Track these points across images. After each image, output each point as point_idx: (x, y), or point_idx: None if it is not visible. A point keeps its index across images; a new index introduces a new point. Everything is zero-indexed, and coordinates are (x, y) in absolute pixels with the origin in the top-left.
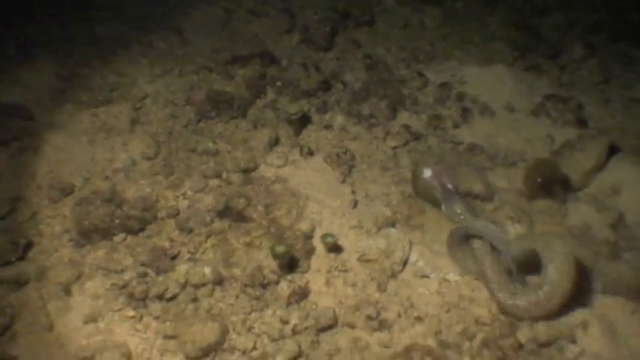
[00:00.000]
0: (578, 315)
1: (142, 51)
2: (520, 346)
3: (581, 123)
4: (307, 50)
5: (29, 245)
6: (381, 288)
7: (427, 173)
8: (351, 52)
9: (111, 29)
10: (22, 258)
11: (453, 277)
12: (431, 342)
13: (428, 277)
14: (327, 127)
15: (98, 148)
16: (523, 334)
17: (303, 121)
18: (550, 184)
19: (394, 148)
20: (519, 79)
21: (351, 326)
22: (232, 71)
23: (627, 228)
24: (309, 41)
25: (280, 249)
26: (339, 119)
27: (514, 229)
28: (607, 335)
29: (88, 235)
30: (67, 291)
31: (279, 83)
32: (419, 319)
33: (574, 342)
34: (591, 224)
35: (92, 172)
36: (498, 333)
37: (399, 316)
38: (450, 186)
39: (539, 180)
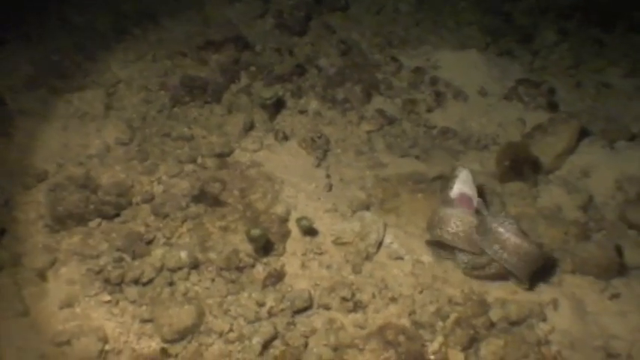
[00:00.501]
0: (548, 294)
1: (116, 37)
2: (492, 324)
3: (553, 107)
4: (281, 35)
5: (3, 232)
6: (356, 270)
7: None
8: (325, 37)
9: (84, 15)
10: None
11: (426, 258)
12: (405, 322)
13: (402, 258)
14: (302, 111)
15: (72, 134)
16: (495, 313)
17: (278, 105)
18: (521, 166)
19: (368, 132)
20: (492, 63)
21: (327, 307)
22: (206, 56)
23: (597, 209)
24: (283, 26)
25: (256, 232)
26: (314, 104)
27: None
28: (576, 313)
29: (62, 221)
30: (42, 277)
31: (253, 68)
32: (393, 299)
33: (544, 320)
34: (562, 206)
35: (66, 158)
36: (471, 312)
37: (374, 297)
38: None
39: (510, 163)
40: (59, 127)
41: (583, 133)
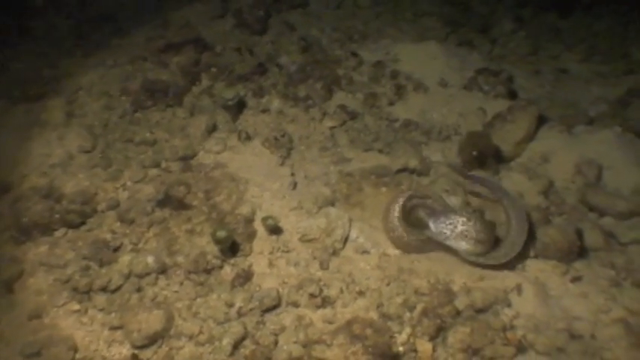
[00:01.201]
0: (512, 279)
1: (76, 42)
2: (458, 312)
3: (512, 95)
4: (241, 35)
5: None
6: (323, 266)
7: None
8: (285, 34)
9: (43, 20)
10: None
11: (392, 251)
12: (373, 315)
13: (368, 252)
14: (264, 110)
15: (33, 143)
16: (460, 301)
17: (240, 106)
18: (483, 156)
19: (331, 128)
20: (451, 54)
21: (295, 305)
22: (166, 59)
23: (557, 193)
24: (243, 25)
25: (221, 234)
26: (276, 102)
27: (450, 202)
28: (540, 297)
29: (28, 231)
30: (9, 289)
31: (214, 69)
32: (361, 293)
33: (509, 306)
34: (523, 192)
35: (29, 169)
36: (437, 302)
37: (342, 291)
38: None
39: (474, 153)
40: (20, 137)
41: (542, 120)
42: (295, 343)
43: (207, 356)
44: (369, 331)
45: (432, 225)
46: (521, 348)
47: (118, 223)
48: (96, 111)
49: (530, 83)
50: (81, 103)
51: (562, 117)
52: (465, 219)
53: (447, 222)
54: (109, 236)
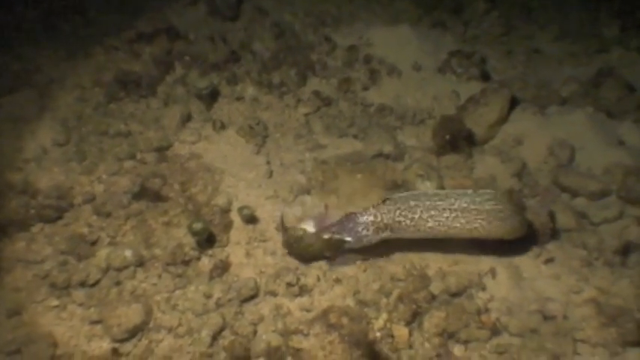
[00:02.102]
0: (486, 263)
1: (45, 34)
2: (433, 297)
3: (485, 77)
4: (214, 22)
5: None
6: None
7: (311, 228)
8: (258, 20)
9: (10, 12)
10: None
11: None
12: (350, 302)
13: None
14: (239, 98)
15: (6, 139)
16: (435, 286)
17: (214, 94)
18: (456, 140)
19: (306, 115)
20: (425, 37)
21: (273, 294)
22: (139, 49)
23: (530, 175)
24: (215, 12)
25: (198, 226)
26: (250, 90)
27: (424, 186)
28: (513, 280)
29: (3, 228)
30: None
31: (187, 58)
32: (338, 281)
33: (483, 289)
34: (497, 175)
35: (2, 165)
36: (412, 287)
37: (319, 279)
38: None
39: (447, 137)
40: None
41: (515, 102)
42: (274, 332)
43: (187, 348)
44: (345, 320)
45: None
46: (495, 330)
47: (95, 217)
48: (69, 103)
49: (503, 64)
50: (54, 96)
51: (535, 98)
52: (372, 217)
53: (360, 227)
54: (85, 230)
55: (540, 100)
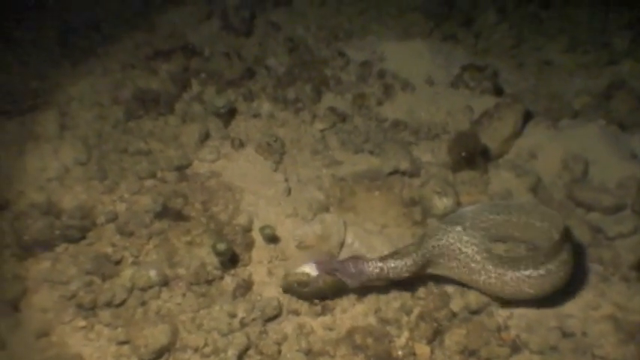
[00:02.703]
0: None
1: (62, 51)
2: (453, 315)
3: (498, 90)
4: (228, 37)
5: None
6: None
7: (312, 271)
8: (271, 35)
9: (27, 30)
10: None
11: None
12: (372, 320)
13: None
14: (255, 115)
15: (28, 158)
16: (456, 303)
17: (232, 112)
18: (472, 156)
19: (322, 130)
20: (437, 50)
21: (296, 313)
22: (156, 66)
23: (545, 190)
24: (229, 28)
25: (222, 246)
26: (266, 106)
27: (441, 203)
28: None
29: (29, 248)
30: (14, 307)
31: (203, 75)
32: (359, 299)
33: (502, 306)
34: (512, 190)
35: (25, 184)
36: (433, 305)
37: (340, 298)
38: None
39: (463, 154)
40: (15, 151)
41: (528, 115)
42: (298, 351)
43: None
44: (369, 341)
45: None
46: (515, 347)
47: (118, 236)
48: (89, 121)
49: (515, 77)
50: (73, 114)
51: (547, 111)
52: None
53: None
54: (109, 250)
55: (553, 113)
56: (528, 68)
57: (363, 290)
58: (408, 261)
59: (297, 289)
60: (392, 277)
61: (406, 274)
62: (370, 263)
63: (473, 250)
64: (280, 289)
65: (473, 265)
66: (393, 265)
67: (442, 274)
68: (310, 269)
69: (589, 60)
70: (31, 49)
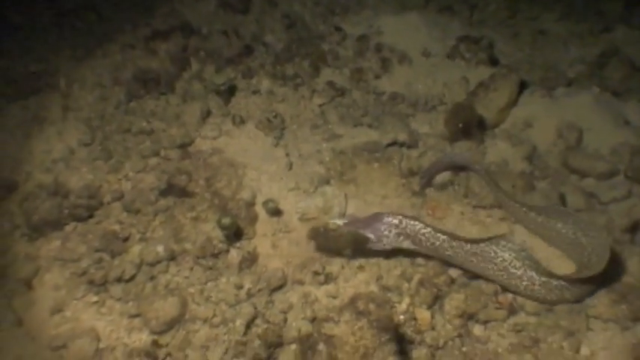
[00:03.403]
0: None
1: (61, 34)
2: (452, 280)
3: (493, 61)
4: (225, 15)
5: None
6: None
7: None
8: (268, 12)
9: (24, 14)
10: None
11: None
12: (373, 287)
13: None
14: (255, 92)
15: (34, 140)
16: (454, 270)
17: (231, 90)
18: (468, 127)
19: (321, 105)
20: (433, 23)
21: (300, 283)
22: (155, 47)
23: (540, 158)
24: (226, 5)
25: (226, 221)
26: (265, 83)
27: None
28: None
29: (39, 228)
30: (28, 286)
31: (202, 53)
32: (361, 268)
33: None
34: (508, 159)
35: (32, 166)
36: (432, 272)
37: (343, 267)
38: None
39: (460, 125)
40: (20, 134)
41: (523, 85)
42: (303, 319)
43: (223, 337)
44: (372, 306)
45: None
46: (512, 310)
47: (125, 214)
48: (91, 103)
49: (510, 47)
50: (75, 96)
51: (542, 80)
52: (397, 221)
53: (383, 227)
54: (117, 227)
55: (548, 82)
56: (523, 38)
57: (380, 254)
58: (433, 235)
59: (322, 233)
60: (409, 232)
61: (422, 238)
62: (390, 214)
63: (511, 255)
64: (285, 259)
65: (513, 270)
66: (412, 221)
67: (468, 269)
68: (339, 220)
69: (583, 28)
70: (30, 33)
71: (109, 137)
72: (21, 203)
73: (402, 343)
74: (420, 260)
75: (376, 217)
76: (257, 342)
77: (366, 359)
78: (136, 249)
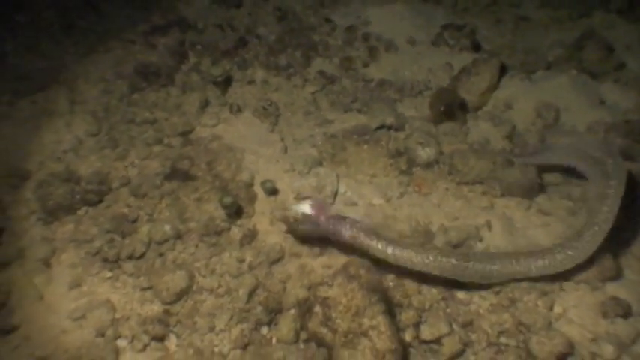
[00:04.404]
0: (482, 217)
1: (63, 32)
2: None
3: (476, 47)
4: (219, 10)
5: (1, 231)
6: None
7: (307, 210)
8: (260, 5)
9: (28, 13)
10: None
11: (377, 201)
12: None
13: (356, 204)
14: (250, 82)
15: (44, 132)
16: (439, 239)
17: (228, 80)
18: (451, 109)
19: (313, 93)
20: (417, 12)
21: (297, 255)
22: (154, 41)
23: (520, 136)
24: (220, 0)
25: (227, 200)
26: (260, 73)
27: (425, 153)
28: (507, 230)
29: (53, 213)
30: (47, 264)
31: (199, 47)
32: None
33: (481, 240)
34: (489, 138)
35: (44, 156)
36: (419, 241)
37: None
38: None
39: (442, 108)
40: (30, 127)
41: (504, 69)
42: (301, 287)
43: (227, 305)
44: (362, 271)
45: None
46: None
47: (132, 198)
48: (96, 96)
49: (492, 33)
50: (81, 90)
51: (523, 64)
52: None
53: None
54: (126, 210)
55: (528, 66)
56: (505, 25)
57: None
58: (382, 252)
59: (292, 224)
60: (362, 244)
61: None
62: (348, 226)
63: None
64: (283, 234)
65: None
66: (365, 235)
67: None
68: (306, 209)
69: (562, 14)
70: (33, 31)
71: (114, 127)
72: (35, 190)
73: (391, 305)
74: (406, 232)
75: (336, 222)
76: (259, 308)
77: (357, 317)
78: (144, 229)
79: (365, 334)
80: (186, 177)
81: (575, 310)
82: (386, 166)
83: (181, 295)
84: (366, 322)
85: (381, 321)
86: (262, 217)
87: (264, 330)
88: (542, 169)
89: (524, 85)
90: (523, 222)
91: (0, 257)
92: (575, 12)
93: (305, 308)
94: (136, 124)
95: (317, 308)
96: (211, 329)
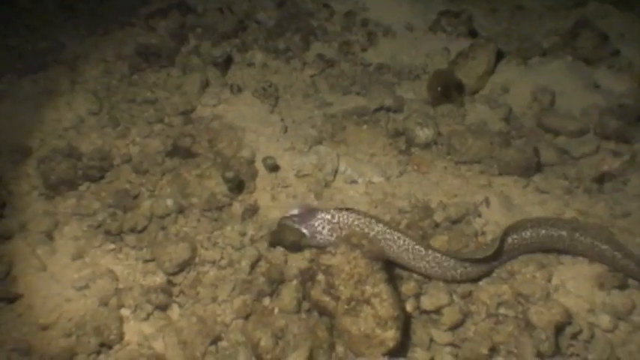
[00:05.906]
0: (481, 194)
1: (63, 14)
2: (436, 225)
3: (473, 33)
4: None
5: (4, 205)
6: (318, 196)
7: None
8: None
9: None
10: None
11: (376, 179)
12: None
13: (356, 182)
14: (250, 64)
15: (45, 110)
16: (438, 215)
17: (228, 62)
18: (449, 90)
19: (312, 76)
20: None
21: None
22: (154, 24)
23: (517, 119)
24: None
25: (230, 174)
26: (259, 56)
27: (423, 133)
28: (505, 207)
29: (55, 188)
30: (50, 237)
31: (199, 29)
32: None
33: (479, 216)
34: (487, 120)
35: (45, 133)
36: (418, 217)
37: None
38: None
39: (439, 88)
40: (31, 106)
41: (500, 55)
42: (302, 259)
43: (230, 277)
44: (364, 242)
45: (305, 231)
46: None
47: (134, 175)
48: (96, 76)
49: (489, 21)
50: (81, 70)
51: (519, 50)
52: (329, 216)
53: (317, 223)
54: (128, 186)
55: (523, 52)
56: (501, 13)
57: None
58: (368, 225)
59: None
60: (341, 226)
61: (357, 229)
62: (324, 210)
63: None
64: (284, 209)
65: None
66: (345, 215)
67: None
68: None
69: (557, 3)
70: (34, 13)
71: (115, 106)
72: (37, 166)
73: (392, 275)
74: (406, 208)
75: (311, 213)
76: (261, 279)
77: (360, 285)
78: (146, 204)
79: (367, 301)
80: (187, 154)
81: (573, 281)
82: (385, 145)
83: (184, 266)
84: (368, 289)
85: (383, 289)
86: (263, 193)
87: (267, 301)
88: None
89: (520, 70)
90: (521, 199)
91: (2, 230)
92: (570, 1)
93: (308, 276)
94: (137, 103)
95: (320, 276)
96: (214, 300)
